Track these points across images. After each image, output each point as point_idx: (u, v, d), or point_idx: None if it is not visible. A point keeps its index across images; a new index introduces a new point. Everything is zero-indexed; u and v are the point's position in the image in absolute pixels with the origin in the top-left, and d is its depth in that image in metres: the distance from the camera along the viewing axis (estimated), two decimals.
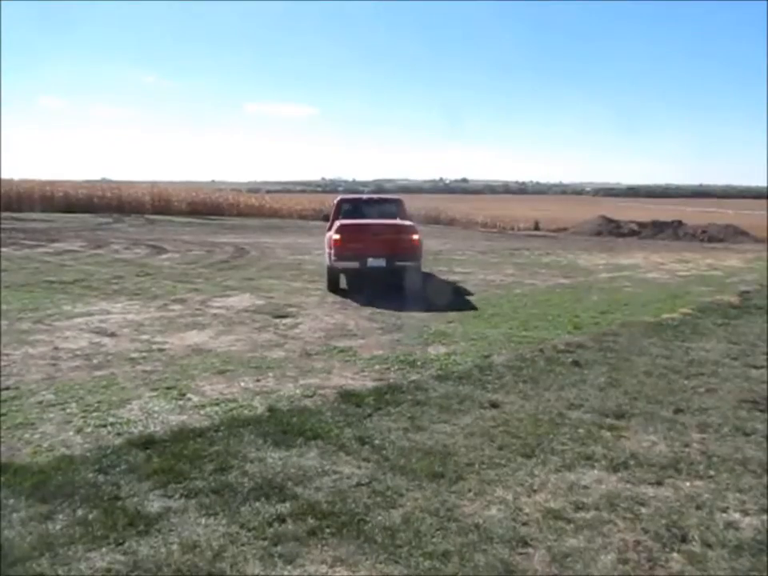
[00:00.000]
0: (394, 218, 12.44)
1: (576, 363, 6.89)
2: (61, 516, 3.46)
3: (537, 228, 46.46)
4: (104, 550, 3.16)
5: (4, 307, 9.52)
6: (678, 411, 5.44)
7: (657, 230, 38.38)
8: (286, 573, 3.00)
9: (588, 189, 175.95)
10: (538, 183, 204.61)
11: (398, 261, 11.15)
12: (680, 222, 39.08)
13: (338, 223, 11.61)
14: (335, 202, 13.43)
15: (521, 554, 3.21)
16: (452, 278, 14.23)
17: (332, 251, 11.26)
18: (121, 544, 3.21)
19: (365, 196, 14.89)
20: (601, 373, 6.56)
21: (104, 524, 3.37)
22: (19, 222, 29.15)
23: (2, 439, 4.56)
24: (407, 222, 12.04)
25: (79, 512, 3.50)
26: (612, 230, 40.05)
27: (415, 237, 11.42)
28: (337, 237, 11.19)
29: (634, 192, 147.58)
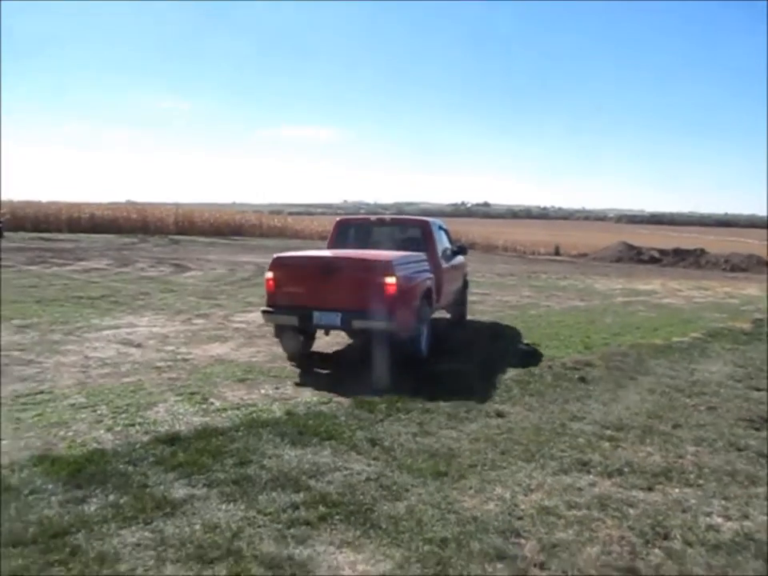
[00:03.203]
0: (417, 246, 8.81)
1: (582, 379, 7.15)
2: (95, 500, 3.80)
3: (557, 253, 46.68)
4: (134, 528, 3.49)
5: (35, 320, 9.96)
6: (676, 426, 5.69)
7: (678, 258, 38.44)
8: (297, 552, 3.30)
9: (611, 215, 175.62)
10: (560, 209, 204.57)
11: (359, 318, 7.11)
12: (702, 251, 39.11)
13: (275, 256, 7.82)
14: (334, 224, 9.77)
15: (513, 543, 3.49)
16: (469, 297, 14.51)
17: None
18: (149, 524, 3.54)
19: (373, 217, 10.31)
20: (606, 389, 6.82)
21: (134, 507, 3.71)
22: (47, 242, 29.93)
23: (39, 435, 4.92)
24: (386, 256, 7.64)
25: (111, 497, 3.84)
26: (633, 257, 40.16)
27: (389, 280, 7.04)
28: (269, 275, 7.57)
29: (657, 219, 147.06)
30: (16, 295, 12.51)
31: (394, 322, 7.10)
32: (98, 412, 5.54)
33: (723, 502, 4.15)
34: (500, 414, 5.75)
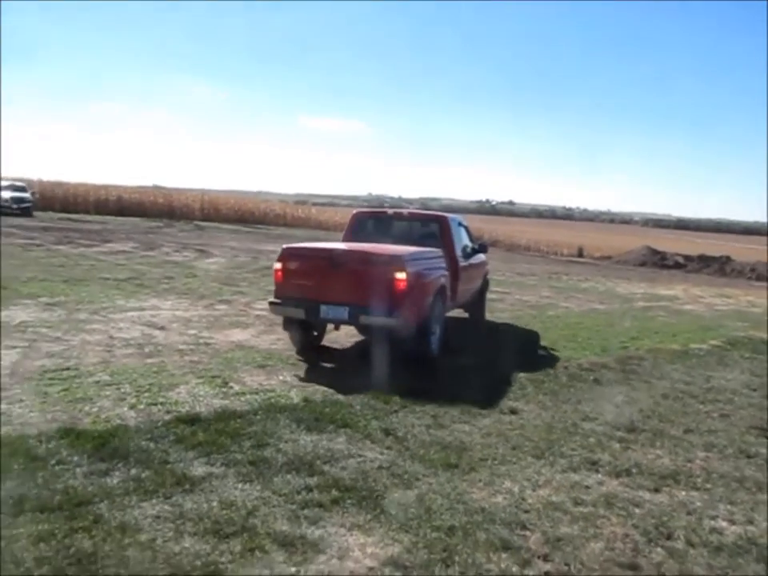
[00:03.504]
0: (434, 242, 8.63)
1: (597, 381, 7.22)
2: (117, 473, 3.95)
3: (580, 255, 46.48)
4: (154, 501, 3.64)
5: (62, 299, 10.19)
6: (687, 431, 5.74)
7: (703, 264, 38.09)
8: (309, 532, 3.42)
9: (636, 218, 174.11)
10: (585, 210, 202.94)
11: (365, 314, 6.92)
12: (728, 258, 38.70)
13: (284, 247, 7.69)
14: (351, 216, 9.61)
15: (519, 535, 3.59)
16: (488, 295, 14.55)
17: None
18: (168, 498, 3.69)
19: (390, 210, 10.05)
20: (619, 392, 6.89)
21: (154, 481, 3.86)
22: (74, 222, 30.41)
23: (65, 409, 5.10)
24: (398, 250, 7.58)
25: (133, 471, 3.99)
26: (657, 262, 39.86)
27: (399, 275, 6.86)
28: (278, 266, 7.46)
29: (683, 224, 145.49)
30: (44, 274, 12.79)
31: (402, 320, 6.92)
32: (122, 390, 5.71)
33: (729, 507, 4.21)
34: (513, 411, 5.85)
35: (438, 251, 8.28)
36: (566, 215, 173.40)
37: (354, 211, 9.84)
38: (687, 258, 40.46)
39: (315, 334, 8.08)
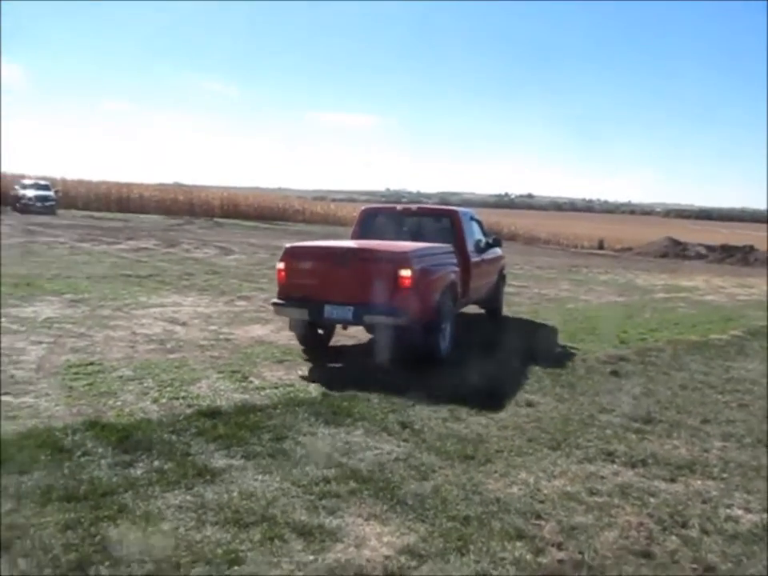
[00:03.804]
0: (444, 237, 8.48)
1: (615, 373, 7.23)
2: (141, 464, 4.07)
3: (601, 247, 46.25)
4: (176, 492, 3.74)
5: (86, 295, 10.38)
6: (705, 421, 5.74)
7: (726, 254, 37.74)
8: (327, 521, 3.50)
9: (658, 209, 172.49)
10: (605, 202, 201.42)
11: (370, 313, 6.79)
12: (752, 248, 38.30)
13: (287, 246, 7.47)
14: (359, 213, 9.50)
15: (533, 524, 3.64)
16: (506, 289, 14.55)
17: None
18: (190, 489, 3.78)
19: (399, 206, 9.82)
20: (637, 383, 6.89)
21: (176, 473, 3.96)
22: (97, 220, 30.83)
23: (90, 403, 5.23)
24: (402, 247, 7.37)
25: (156, 462, 4.10)
26: (678, 252, 39.57)
27: (404, 273, 6.68)
28: (281, 266, 7.24)
29: (706, 214, 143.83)
30: (68, 271, 13.03)
31: (409, 318, 6.75)
32: (145, 384, 5.83)
33: (745, 495, 4.22)
34: (530, 404, 5.88)
35: (447, 247, 8.09)
36: (587, 207, 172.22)
37: (363, 207, 9.70)
38: (709, 248, 40.10)
39: (322, 332, 7.90)
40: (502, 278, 10.96)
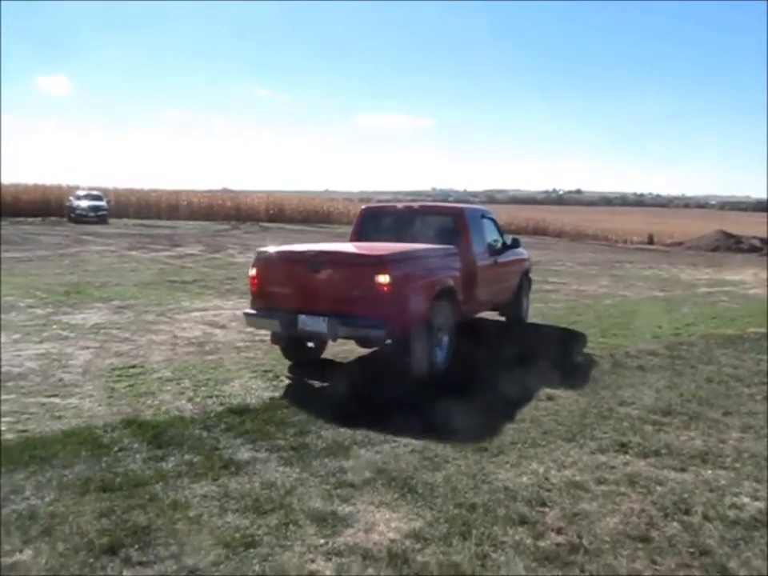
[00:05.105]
0: (449, 238, 7.70)
1: (640, 367, 7.30)
2: (172, 458, 4.38)
3: (651, 242, 45.45)
4: (203, 482, 4.03)
5: (132, 302, 10.87)
6: (726, 414, 5.78)
7: None
8: (340, 509, 3.74)
9: (713, 202, 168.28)
10: (657, 195, 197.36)
11: (347, 324, 6.09)
12: None
13: (259, 250, 6.96)
14: (359, 213, 8.91)
15: (538, 511, 3.81)
16: (545, 287, 14.61)
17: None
18: (216, 480, 4.08)
19: (401, 204, 9.13)
20: (662, 377, 6.94)
21: (204, 465, 4.27)
22: (146, 228, 31.79)
23: (129, 403, 5.59)
24: (381, 249, 6.76)
25: (186, 456, 4.41)
26: (730, 246, 38.63)
27: (381, 279, 5.97)
28: (252, 272, 6.74)
29: (763, 207, 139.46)
30: (117, 278, 13.60)
31: (390, 331, 6.08)
32: (182, 385, 6.18)
33: (754, 485, 4.29)
34: (550, 398, 6.01)
35: (446, 248, 7.35)
36: (638, 202, 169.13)
37: (362, 206, 9.12)
38: (764, 240, 39.03)
39: (311, 345, 7.27)
40: (525, 283, 10.12)
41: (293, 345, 7.03)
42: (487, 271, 8.23)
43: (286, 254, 6.89)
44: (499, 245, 9.03)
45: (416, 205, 9.13)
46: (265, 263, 6.70)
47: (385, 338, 6.34)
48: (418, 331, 6.37)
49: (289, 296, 6.45)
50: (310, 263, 6.42)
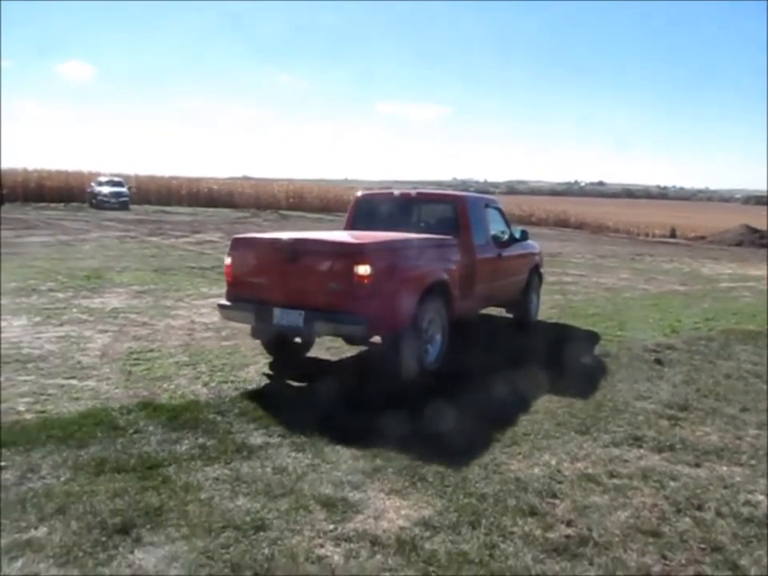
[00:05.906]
0: (447, 228, 7.22)
1: (658, 361, 7.23)
2: (186, 441, 4.42)
3: (673, 235, 44.93)
4: (215, 466, 4.07)
5: (152, 287, 10.96)
6: (743, 410, 5.73)
7: None
8: (351, 495, 3.76)
9: (738, 196, 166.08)
10: (681, 189, 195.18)
11: (323, 319, 5.61)
12: None
13: (235, 237, 6.43)
14: (353, 200, 8.25)
15: (548, 502, 3.80)
16: (564, 278, 14.53)
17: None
18: (228, 463, 4.11)
19: (397, 192, 8.15)
20: (680, 372, 6.88)
21: (217, 449, 4.30)
22: (167, 214, 32.01)
23: (146, 386, 5.64)
24: (362, 237, 6.37)
25: (200, 440, 4.45)
26: (755, 240, 38.07)
27: (361, 270, 5.46)
28: (228, 261, 6.26)
29: None
30: (137, 264, 13.72)
31: (371, 327, 5.63)
32: (198, 369, 6.23)
33: None
34: (564, 390, 5.97)
35: (440, 238, 6.90)
36: (661, 194, 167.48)
37: (358, 193, 8.42)
38: None
39: (298, 341, 6.81)
40: (534, 278, 9.31)
41: (276, 340, 6.59)
42: (489, 265, 7.66)
43: (262, 241, 6.58)
44: (506, 237, 8.42)
45: (414, 192, 8.15)
46: (240, 251, 6.22)
47: (366, 336, 5.98)
48: (406, 328, 5.94)
49: (264, 287, 6.02)
50: (286, 252, 5.86)
